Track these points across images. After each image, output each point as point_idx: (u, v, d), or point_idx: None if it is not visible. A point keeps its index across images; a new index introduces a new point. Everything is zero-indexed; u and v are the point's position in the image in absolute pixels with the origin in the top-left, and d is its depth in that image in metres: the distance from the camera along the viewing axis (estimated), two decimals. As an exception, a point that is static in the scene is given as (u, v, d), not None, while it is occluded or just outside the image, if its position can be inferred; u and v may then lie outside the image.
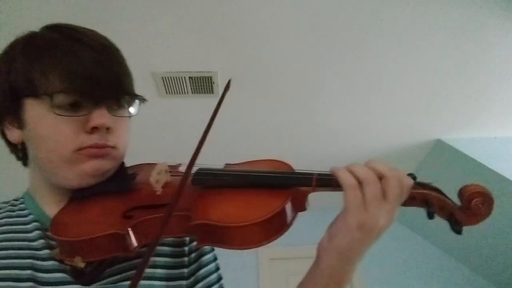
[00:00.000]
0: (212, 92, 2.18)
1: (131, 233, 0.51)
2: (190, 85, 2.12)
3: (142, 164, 0.69)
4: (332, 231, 0.51)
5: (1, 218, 0.61)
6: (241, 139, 2.64)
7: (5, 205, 0.65)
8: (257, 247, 0.48)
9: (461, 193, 0.50)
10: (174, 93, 2.17)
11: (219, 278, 0.67)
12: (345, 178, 0.49)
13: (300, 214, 0.55)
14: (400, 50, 1.96)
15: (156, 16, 1.70)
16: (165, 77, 2.06)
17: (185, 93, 2.16)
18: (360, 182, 0.48)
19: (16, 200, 0.66)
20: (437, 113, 2.46)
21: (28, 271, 0.53)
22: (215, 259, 0.69)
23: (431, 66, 2.08)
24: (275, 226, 0.49)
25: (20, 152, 0.63)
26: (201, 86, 2.13)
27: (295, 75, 2.11)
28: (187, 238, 0.67)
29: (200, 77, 2.07)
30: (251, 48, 1.90)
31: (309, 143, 2.73)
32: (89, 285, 0.55)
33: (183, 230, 0.52)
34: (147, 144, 2.36)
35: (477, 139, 2.65)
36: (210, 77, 2.07)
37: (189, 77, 2.05)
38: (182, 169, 0.64)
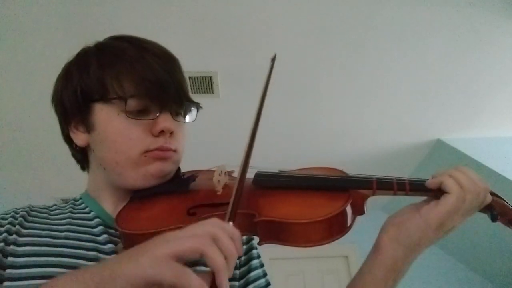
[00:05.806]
0: (212, 92, 2.18)
1: None
2: (190, 85, 2.12)
3: (195, 170, 0.71)
4: (404, 227, 0.53)
5: (65, 213, 0.64)
6: (241, 139, 2.63)
7: (66, 204, 0.67)
8: (318, 245, 0.51)
9: None
10: (174, 93, 2.17)
11: (268, 283, 0.69)
12: (452, 186, 0.51)
13: None
14: (400, 51, 1.97)
15: (155, 16, 1.70)
16: (165, 77, 2.06)
17: (185, 93, 2.17)
18: (464, 191, 0.51)
19: (75, 200, 0.68)
20: (437, 113, 2.46)
21: (93, 263, 0.54)
22: (262, 265, 0.71)
23: (431, 67, 2.08)
24: (337, 226, 0.51)
25: (81, 155, 0.66)
26: (201, 86, 2.13)
27: (295, 76, 2.10)
28: None
29: (200, 77, 2.07)
30: (251, 48, 1.90)
31: (309, 143, 2.73)
32: None
33: (247, 227, 0.53)
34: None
35: (477, 139, 2.65)
36: (210, 77, 2.07)
37: (189, 77, 2.05)
38: (236, 174, 0.66)
